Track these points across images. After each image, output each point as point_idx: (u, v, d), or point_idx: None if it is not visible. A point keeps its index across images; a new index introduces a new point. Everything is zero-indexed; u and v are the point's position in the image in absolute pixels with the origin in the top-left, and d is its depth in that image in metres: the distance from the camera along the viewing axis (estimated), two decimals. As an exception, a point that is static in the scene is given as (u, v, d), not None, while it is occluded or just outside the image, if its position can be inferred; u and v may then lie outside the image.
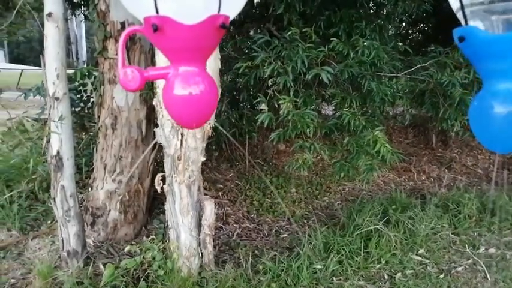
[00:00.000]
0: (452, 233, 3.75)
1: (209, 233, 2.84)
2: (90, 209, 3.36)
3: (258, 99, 2.77)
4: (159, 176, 2.88)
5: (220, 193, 4.41)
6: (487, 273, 3.15)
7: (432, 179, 5.38)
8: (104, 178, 3.34)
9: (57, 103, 2.69)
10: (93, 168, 3.51)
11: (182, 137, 2.69)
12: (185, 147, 2.69)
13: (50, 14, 2.57)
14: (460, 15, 0.72)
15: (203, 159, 2.77)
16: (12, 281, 2.78)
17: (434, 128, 6.14)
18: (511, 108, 0.66)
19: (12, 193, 3.62)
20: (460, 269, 3.23)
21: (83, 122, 4.31)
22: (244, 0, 0.78)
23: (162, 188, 2.85)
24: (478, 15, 0.70)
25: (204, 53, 0.77)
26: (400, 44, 4.46)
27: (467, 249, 3.50)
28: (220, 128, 2.93)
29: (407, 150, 6.00)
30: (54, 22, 2.58)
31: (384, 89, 2.99)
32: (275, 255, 3.15)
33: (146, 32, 0.73)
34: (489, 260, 3.33)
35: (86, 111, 4.43)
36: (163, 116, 2.67)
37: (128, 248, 2.97)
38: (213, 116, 2.87)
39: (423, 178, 5.46)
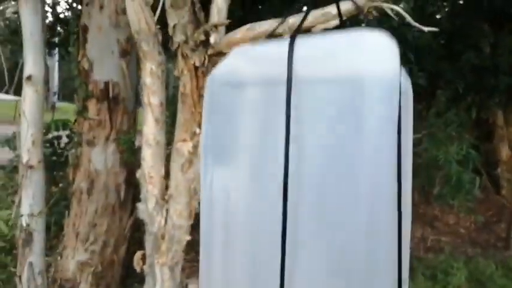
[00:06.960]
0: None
1: (191, 318, 2.58)
2: (59, 281, 3.03)
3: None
4: (138, 254, 2.62)
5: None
6: None
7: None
8: (76, 248, 3.04)
9: (30, 172, 2.45)
10: (62, 228, 3.21)
11: (167, 213, 2.48)
12: (170, 225, 2.47)
13: (29, 77, 2.37)
14: None
15: (188, 238, 2.55)
16: None
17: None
18: None
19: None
20: None
21: (54, 175, 3.99)
22: None
23: (141, 269, 2.59)
24: None
25: None
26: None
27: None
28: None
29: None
30: (34, 86, 2.38)
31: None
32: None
33: None
34: None
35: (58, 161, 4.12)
36: (148, 191, 2.45)
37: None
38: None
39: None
